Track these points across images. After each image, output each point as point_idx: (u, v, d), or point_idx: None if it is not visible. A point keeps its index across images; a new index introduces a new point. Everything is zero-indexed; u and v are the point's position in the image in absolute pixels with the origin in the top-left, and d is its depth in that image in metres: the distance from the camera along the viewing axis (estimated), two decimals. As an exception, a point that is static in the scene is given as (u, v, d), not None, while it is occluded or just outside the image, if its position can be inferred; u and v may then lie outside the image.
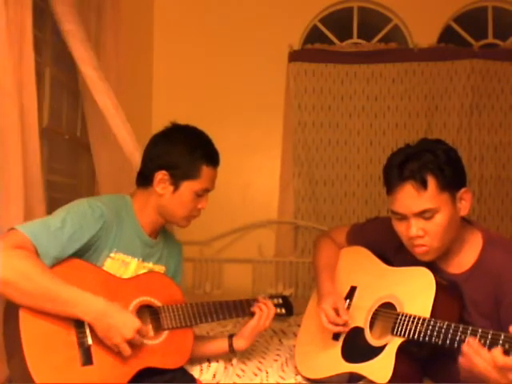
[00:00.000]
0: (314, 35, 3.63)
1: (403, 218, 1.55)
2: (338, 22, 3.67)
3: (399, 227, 1.59)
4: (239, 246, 3.48)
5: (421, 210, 1.50)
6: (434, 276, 1.55)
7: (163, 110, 3.28)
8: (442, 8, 3.54)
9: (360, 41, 3.65)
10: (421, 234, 1.52)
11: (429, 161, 1.51)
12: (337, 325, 1.70)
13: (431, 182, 1.50)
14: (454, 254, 1.59)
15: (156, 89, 3.52)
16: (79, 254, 1.55)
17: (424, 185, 1.49)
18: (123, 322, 1.45)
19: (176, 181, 1.68)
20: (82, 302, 1.42)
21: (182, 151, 1.69)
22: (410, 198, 1.51)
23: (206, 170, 1.70)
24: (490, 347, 1.27)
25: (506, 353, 1.24)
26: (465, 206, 1.55)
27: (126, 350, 1.46)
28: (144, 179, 1.73)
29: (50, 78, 2.42)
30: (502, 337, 1.26)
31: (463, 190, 1.55)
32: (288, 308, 1.97)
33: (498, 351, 1.25)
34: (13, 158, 1.66)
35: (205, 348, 1.83)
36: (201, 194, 1.72)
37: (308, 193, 3.48)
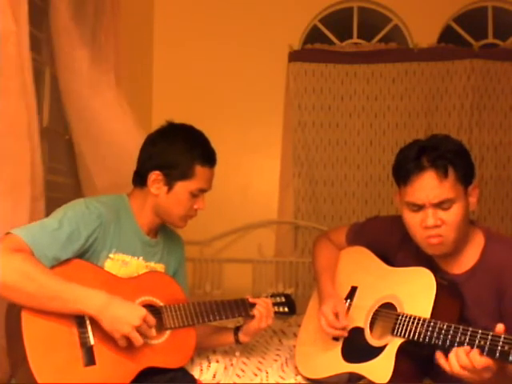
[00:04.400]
0: (313, 35, 3.63)
1: (419, 208, 1.53)
2: (338, 22, 3.67)
3: (413, 219, 1.55)
4: (239, 246, 3.48)
5: (441, 199, 1.49)
6: (435, 276, 1.55)
7: (163, 109, 3.28)
8: (442, 8, 3.54)
9: (360, 41, 3.64)
10: (438, 223, 1.51)
11: (447, 151, 1.51)
12: (336, 328, 1.70)
13: (451, 171, 1.49)
14: (456, 254, 1.59)
15: (156, 89, 3.52)
16: (78, 256, 1.55)
17: (445, 173, 1.48)
18: (129, 311, 1.45)
19: (170, 181, 1.68)
20: (84, 298, 1.42)
21: (177, 151, 1.68)
22: (430, 187, 1.49)
23: (200, 170, 1.69)
24: (490, 349, 1.27)
25: (507, 354, 1.25)
26: (473, 201, 1.56)
27: (138, 338, 1.45)
28: (140, 179, 1.72)
29: (49, 77, 2.42)
30: (502, 338, 1.26)
31: (473, 185, 1.56)
32: (291, 306, 1.97)
33: (475, 352, 1.28)
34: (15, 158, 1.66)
35: (212, 339, 1.86)
36: (196, 195, 1.71)
37: (308, 193, 3.48)
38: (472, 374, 1.30)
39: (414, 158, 1.52)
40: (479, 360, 1.28)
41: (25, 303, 1.39)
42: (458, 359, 1.31)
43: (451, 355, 1.32)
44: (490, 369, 1.28)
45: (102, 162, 2.35)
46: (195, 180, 1.69)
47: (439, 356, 1.35)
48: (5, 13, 1.62)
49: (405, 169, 1.55)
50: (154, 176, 1.67)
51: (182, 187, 1.68)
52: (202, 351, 1.90)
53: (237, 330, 1.85)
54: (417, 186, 1.52)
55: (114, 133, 2.35)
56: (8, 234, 1.44)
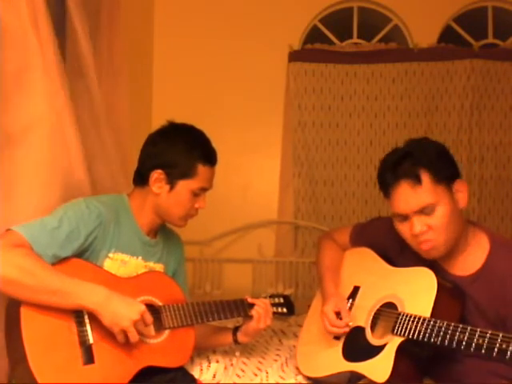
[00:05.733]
0: (313, 35, 3.63)
1: (405, 218, 1.55)
2: (338, 22, 3.67)
3: (402, 228, 1.58)
4: (239, 246, 3.48)
5: (420, 206, 1.50)
6: (436, 276, 1.55)
7: (163, 109, 3.27)
8: (442, 8, 3.54)
9: (360, 41, 3.64)
10: (425, 229, 1.52)
11: (419, 157, 1.52)
12: (339, 327, 1.70)
13: (425, 176, 1.50)
14: (459, 255, 1.59)
15: (156, 89, 3.52)
16: (78, 254, 1.55)
17: (418, 180, 1.50)
18: (128, 306, 1.46)
19: (172, 180, 1.68)
20: (84, 293, 1.43)
21: (179, 150, 1.69)
22: (407, 196, 1.52)
23: (202, 169, 1.70)
24: (488, 347, 1.28)
25: (504, 352, 1.25)
26: (462, 197, 1.56)
27: (134, 334, 1.46)
28: (141, 178, 1.73)
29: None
30: (500, 336, 1.27)
31: (458, 181, 1.56)
32: (289, 307, 1.97)
33: None
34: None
35: (210, 339, 1.86)
36: (198, 194, 1.72)
37: (308, 193, 3.48)
38: None
39: (390, 169, 1.56)
40: None
41: (25, 298, 1.39)
42: None
43: None
44: None
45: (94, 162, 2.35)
46: (197, 179, 1.69)
47: None
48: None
49: (383, 183, 1.60)
50: (156, 175, 1.68)
51: (184, 186, 1.69)
52: (202, 351, 1.91)
53: (235, 330, 1.86)
54: (395, 197, 1.55)
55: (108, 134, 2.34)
56: (8, 230, 1.45)
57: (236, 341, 1.84)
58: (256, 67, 3.50)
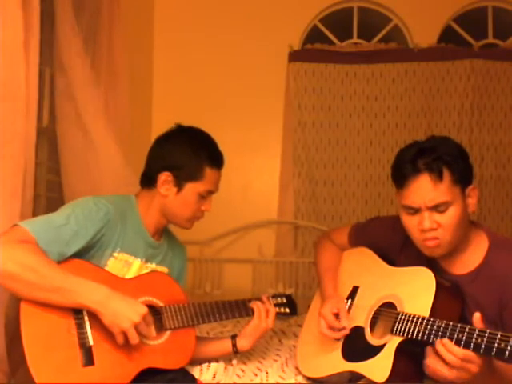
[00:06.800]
0: (314, 35, 3.64)
1: (416, 211, 1.54)
2: (337, 22, 3.68)
3: (410, 222, 1.56)
4: (239, 246, 3.48)
5: (436, 202, 1.49)
6: (435, 276, 1.55)
7: (163, 110, 3.29)
8: (442, 8, 3.54)
9: (360, 41, 3.65)
10: (434, 226, 1.51)
11: (443, 153, 1.51)
12: (336, 329, 1.70)
13: (446, 174, 1.49)
14: (458, 254, 1.59)
15: (156, 89, 3.52)
16: (83, 251, 1.55)
17: (440, 176, 1.48)
18: (129, 307, 1.45)
19: (180, 182, 1.69)
20: (86, 291, 1.42)
21: (187, 152, 1.70)
22: (425, 190, 1.50)
23: (209, 172, 1.71)
24: (487, 346, 1.28)
25: (503, 351, 1.25)
26: (472, 203, 1.56)
27: (134, 336, 1.45)
28: (148, 180, 1.74)
29: (49, 77, 2.42)
30: (499, 335, 1.27)
31: (471, 186, 1.56)
32: (292, 307, 1.97)
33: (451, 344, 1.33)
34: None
35: (208, 349, 1.83)
36: (204, 196, 1.73)
37: (308, 193, 3.49)
38: (460, 372, 1.32)
39: (410, 160, 1.52)
40: (458, 350, 1.31)
41: (25, 294, 1.39)
42: (443, 355, 1.33)
43: (432, 359, 1.35)
44: (475, 362, 1.30)
45: (82, 161, 2.35)
46: (204, 182, 1.70)
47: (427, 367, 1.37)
48: (16, 20, 1.64)
49: (401, 172, 1.55)
50: (164, 177, 1.69)
51: (192, 188, 1.70)
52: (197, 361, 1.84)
53: (234, 337, 1.83)
54: (412, 189, 1.52)
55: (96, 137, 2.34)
56: (15, 225, 1.45)
57: (235, 345, 1.81)
58: (256, 67, 3.51)
